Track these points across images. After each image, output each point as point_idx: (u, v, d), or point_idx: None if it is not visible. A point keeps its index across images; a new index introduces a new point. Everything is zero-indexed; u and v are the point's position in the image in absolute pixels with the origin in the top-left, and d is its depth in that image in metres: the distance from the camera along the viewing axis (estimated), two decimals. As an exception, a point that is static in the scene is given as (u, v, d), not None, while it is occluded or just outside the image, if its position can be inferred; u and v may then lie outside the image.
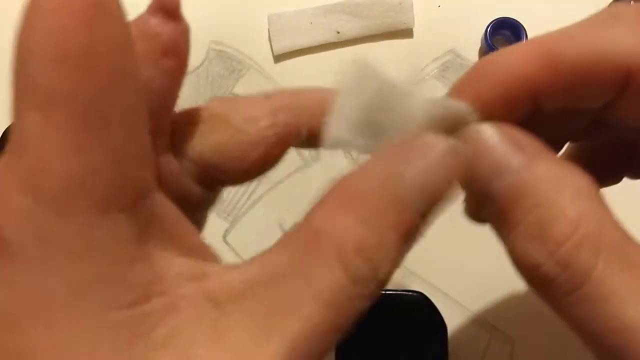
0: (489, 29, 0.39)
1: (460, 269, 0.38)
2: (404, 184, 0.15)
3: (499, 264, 0.39)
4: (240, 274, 0.15)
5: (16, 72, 0.13)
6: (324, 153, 0.40)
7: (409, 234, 0.15)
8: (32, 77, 0.12)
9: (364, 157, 0.16)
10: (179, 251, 0.15)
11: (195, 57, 0.41)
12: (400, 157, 0.15)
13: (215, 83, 0.41)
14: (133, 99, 0.14)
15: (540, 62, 0.18)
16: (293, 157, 0.40)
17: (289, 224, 0.39)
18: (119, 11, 0.13)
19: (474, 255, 0.38)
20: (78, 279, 0.13)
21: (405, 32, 0.41)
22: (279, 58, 0.41)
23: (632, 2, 0.40)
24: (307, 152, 0.40)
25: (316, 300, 0.15)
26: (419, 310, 0.32)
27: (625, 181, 0.25)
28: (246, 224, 0.39)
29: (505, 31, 0.40)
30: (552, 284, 0.16)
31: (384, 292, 0.33)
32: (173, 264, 0.15)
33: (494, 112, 0.19)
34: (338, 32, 0.41)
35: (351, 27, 0.41)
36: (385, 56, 0.41)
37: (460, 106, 0.19)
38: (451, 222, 0.40)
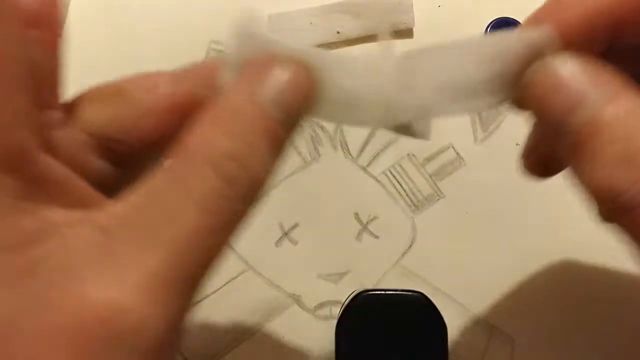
0: (489, 29, 0.39)
1: (460, 269, 0.38)
2: (263, 100, 0.17)
3: (499, 264, 0.39)
4: (125, 202, 0.16)
5: None
6: (324, 153, 0.40)
7: (274, 141, 0.17)
8: None
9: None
10: (70, 206, 0.16)
11: (195, 57, 0.41)
12: (257, 79, 0.17)
13: (215, 83, 0.41)
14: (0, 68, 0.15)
15: None
16: (293, 157, 0.40)
17: (289, 224, 0.39)
18: None
19: (474, 255, 0.38)
20: None
21: (405, 32, 0.41)
22: (279, 58, 0.41)
23: None
24: (307, 152, 0.40)
25: (195, 206, 0.16)
26: (419, 310, 0.32)
27: None
28: (246, 224, 0.39)
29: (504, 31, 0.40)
30: (633, 212, 0.16)
31: (384, 292, 0.33)
32: (63, 215, 0.16)
33: (573, 42, 0.19)
34: (338, 32, 0.41)
35: (351, 27, 0.41)
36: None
37: (537, 36, 0.18)
38: (451, 222, 0.40)
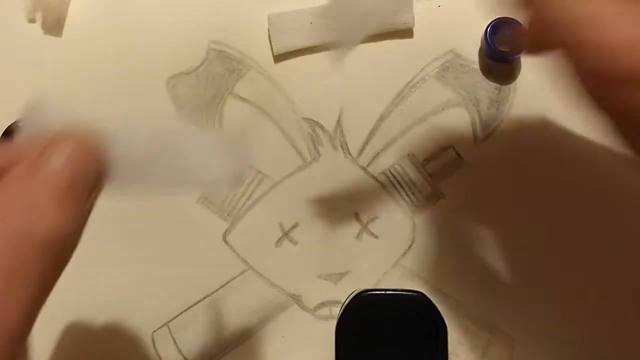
0: (489, 29, 0.39)
1: (460, 269, 0.38)
2: (47, 172, 0.20)
3: (498, 264, 0.39)
4: None
5: None
6: (324, 153, 0.40)
7: (65, 203, 0.20)
8: None
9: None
10: None
11: (195, 57, 0.41)
12: (45, 151, 0.20)
13: (215, 83, 0.41)
14: None
15: None
16: (293, 157, 0.40)
17: (289, 224, 0.39)
18: None
19: (474, 255, 0.38)
20: None
21: (405, 32, 0.41)
22: (279, 58, 0.41)
23: None
24: (307, 152, 0.40)
25: None
26: (419, 310, 0.32)
27: None
28: (246, 224, 0.39)
29: (505, 31, 0.40)
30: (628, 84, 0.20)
31: (384, 292, 0.33)
32: None
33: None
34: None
35: (351, 27, 0.41)
36: (385, 56, 0.41)
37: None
38: (451, 222, 0.40)
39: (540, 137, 0.39)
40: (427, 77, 0.40)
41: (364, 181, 0.40)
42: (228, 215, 0.39)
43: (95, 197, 0.21)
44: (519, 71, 0.40)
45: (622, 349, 0.37)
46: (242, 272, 0.39)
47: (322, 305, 0.39)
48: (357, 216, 0.39)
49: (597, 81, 0.22)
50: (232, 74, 0.41)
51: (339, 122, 0.40)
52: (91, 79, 0.41)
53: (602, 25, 0.21)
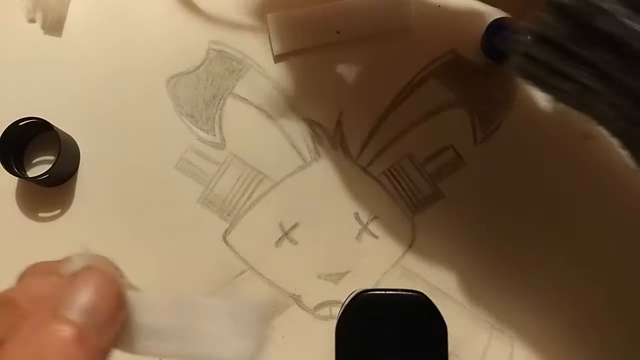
0: (488, 29, 0.39)
1: (460, 269, 0.38)
2: (73, 304, 0.19)
3: (498, 264, 0.39)
4: None
5: None
6: (324, 153, 0.40)
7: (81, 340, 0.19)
8: None
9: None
10: None
11: (195, 57, 0.41)
12: (70, 286, 0.20)
13: (215, 83, 0.41)
14: None
15: None
16: (293, 157, 0.40)
17: (289, 224, 0.39)
18: None
19: (473, 256, 0.38)
20: None
21: (405, 32, 0.41)
22: (279, 58, 0.41)
23: None
24: (307, 152, 0.40)
25: None
26: (419, 310, 0.32)
27: None
28: (246, 224, 0.39)
29: (505, 31, 0.40)
30: None
31: (384, 292, 0.33)
32: None
33: None
34: (338, 32, 0.41)
35: (351, 27, 0.41)
36: (386, 56, 0.41)
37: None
38: (451, 222, 0.40)
39: (539, 137, 0.39)
40: (427, 77, 0.40)
41: (364, 181, 0.40)
42: (228, 215, 0.39)
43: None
44: (519, 71, 0.40)
45: (622, 349, 0.38)
46: (242, 272, 0.39)
47: (322, 305, 0.39)
48: (357, 216, 0.39)
49: None
50: (232, 74, 0.41)
51: (339, 122, 0.40)
52: (91, 78, 0.41)
53: None
